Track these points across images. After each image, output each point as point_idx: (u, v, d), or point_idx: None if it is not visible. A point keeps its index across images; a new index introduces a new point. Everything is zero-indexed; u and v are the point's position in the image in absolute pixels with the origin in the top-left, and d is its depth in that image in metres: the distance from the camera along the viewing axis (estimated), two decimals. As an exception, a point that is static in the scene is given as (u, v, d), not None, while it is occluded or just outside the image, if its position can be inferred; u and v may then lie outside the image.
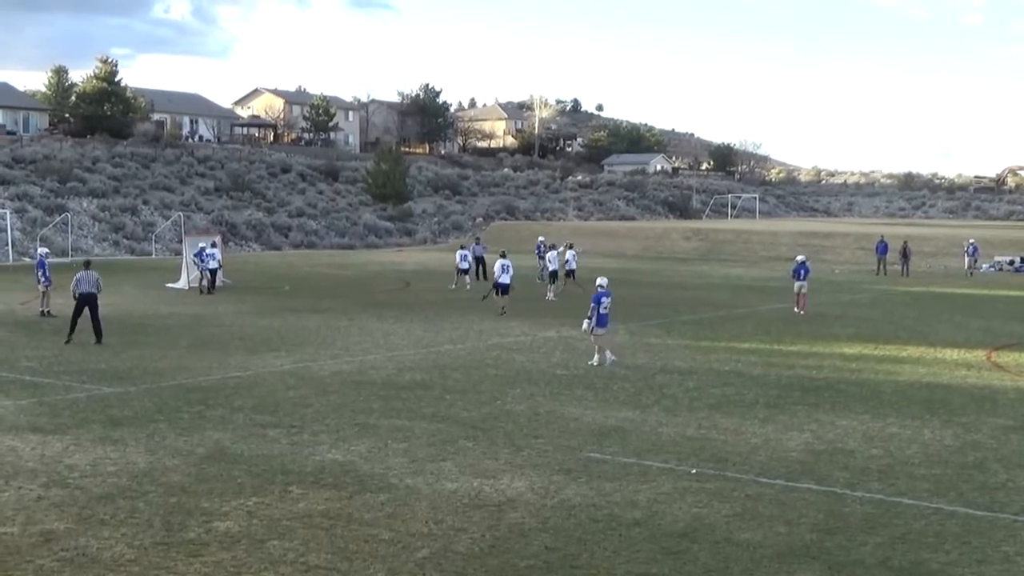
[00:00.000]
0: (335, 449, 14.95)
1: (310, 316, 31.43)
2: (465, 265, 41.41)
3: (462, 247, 44.48)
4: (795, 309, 33.87)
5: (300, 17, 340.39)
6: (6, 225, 57.60)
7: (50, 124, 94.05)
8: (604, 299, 22.64)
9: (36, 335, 26.66)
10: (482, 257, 45.14)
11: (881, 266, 52.74)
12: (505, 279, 32.61)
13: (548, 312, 32.74)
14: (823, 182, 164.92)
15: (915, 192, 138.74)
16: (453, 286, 40.37)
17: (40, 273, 30.86)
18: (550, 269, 38.31)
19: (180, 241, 51.09)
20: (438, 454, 14.71)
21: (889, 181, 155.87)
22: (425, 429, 16.28)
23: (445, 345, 25.65)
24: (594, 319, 22.49)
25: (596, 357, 22.72)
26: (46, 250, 33.75)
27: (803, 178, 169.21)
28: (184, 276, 40.92)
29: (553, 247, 41.88)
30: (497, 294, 32.48)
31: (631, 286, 42.34)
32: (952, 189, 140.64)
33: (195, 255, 39.68)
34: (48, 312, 30.35)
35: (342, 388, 19.69)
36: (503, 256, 34.06)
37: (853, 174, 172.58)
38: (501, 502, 12.46)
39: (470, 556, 10.63)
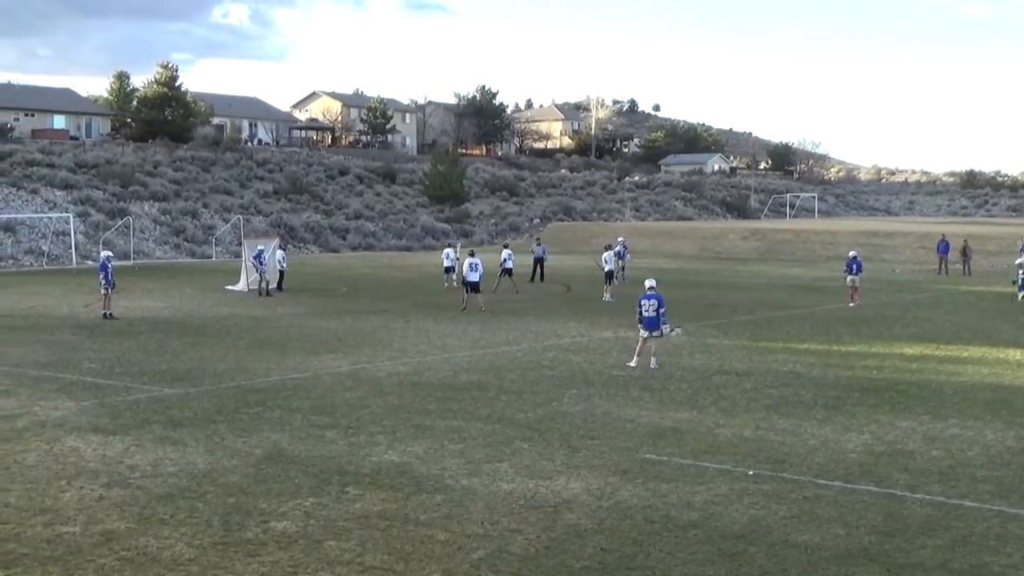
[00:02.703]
0: (391, 450, 15.02)
1: (367, 318, 31.62)
2: (448, 263, 42.07)
3: (448, 246, 45.25)
4: (849, 304, 34.90)
5: (357, 20, 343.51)
6: (70, 229, 58.57)
7: (112, 129, 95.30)
8: (644, 301, 22.29)
9: (98, 337, 27.06)
10: (542, 258, 45.34)
11: (942, 265, 52.07)
12: (474, 277, 33.02)
13: (605, 313, 32.66)
14: (883, 181, 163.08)
15: (977, 190, 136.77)
16: (451, 285, 40.75)
17: (102, 276, 31.30)
18: (606, 269, 38.22)
19: (239, 244, 51.59)
20: (494, 455, 14.74)
21: (951, 180, 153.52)
22: (481, 430, 16.32)
23: (501, 346, 25.68)
24: (643, 321, 22.35)
25: (635, 360, 22.42)
26: (109, 253, 34.18)
27: (863, 177, 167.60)
28: (243, 278, 41.30)
29: (507, 245, 44.02)
30: (467, 291, 33.20)
31: (689, 287, 42.14)
32: (1015, 187, 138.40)
33: (254, 257, 40.03)
34: (110, 315, 30.81)
35: (399, 389, 19.78)
36: (472, 255, 34.41)
37: (914, 173, 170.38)
38: (557, 503, 12.45)
39: (526, 557, 10.63)
